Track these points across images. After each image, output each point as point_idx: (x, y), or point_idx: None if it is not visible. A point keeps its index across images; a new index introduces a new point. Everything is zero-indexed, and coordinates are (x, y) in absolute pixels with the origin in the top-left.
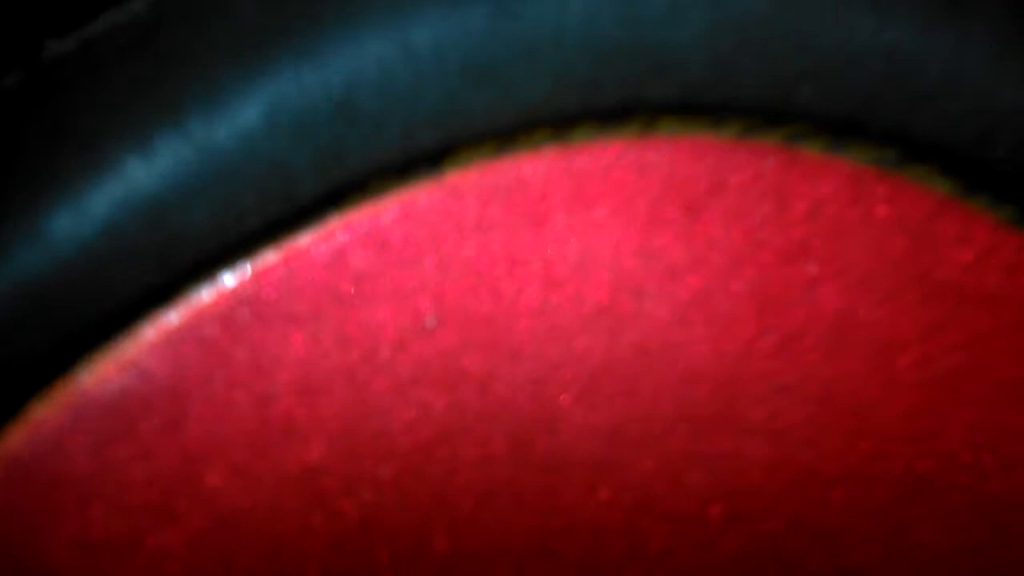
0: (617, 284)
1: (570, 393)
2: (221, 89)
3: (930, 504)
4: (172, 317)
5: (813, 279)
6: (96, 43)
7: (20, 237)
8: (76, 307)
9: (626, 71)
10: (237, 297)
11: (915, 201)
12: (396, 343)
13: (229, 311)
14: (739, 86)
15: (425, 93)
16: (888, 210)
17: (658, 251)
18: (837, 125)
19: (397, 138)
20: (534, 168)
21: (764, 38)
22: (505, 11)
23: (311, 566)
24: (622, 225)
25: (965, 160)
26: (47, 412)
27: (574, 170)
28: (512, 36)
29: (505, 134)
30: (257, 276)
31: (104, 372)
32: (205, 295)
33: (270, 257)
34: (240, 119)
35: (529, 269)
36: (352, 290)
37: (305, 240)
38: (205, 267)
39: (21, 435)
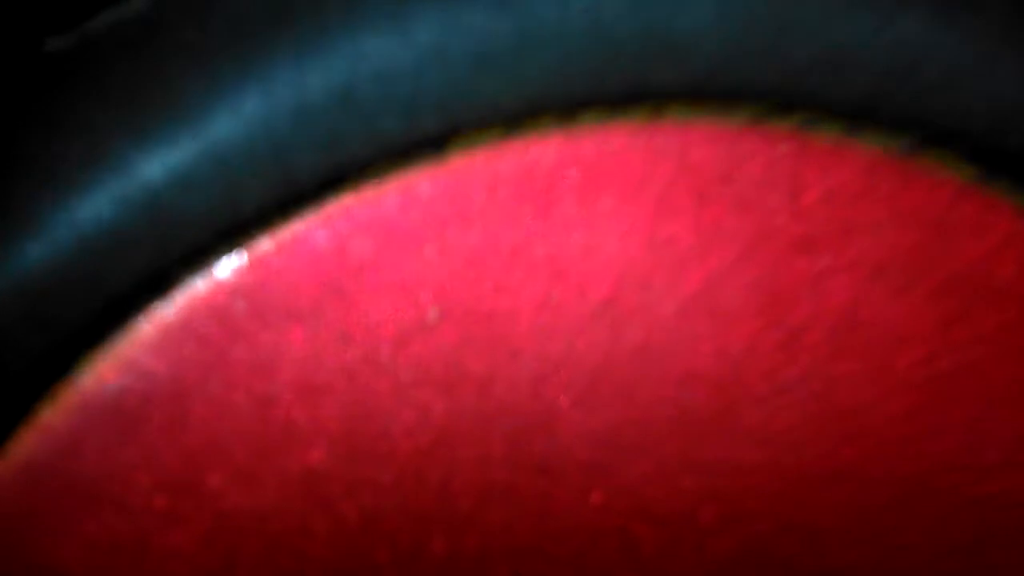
0: (622, 277)
1: (569, 395)
2: (220, 75)
3: (922, 505)
4: (170, 311)
5: (822, 272)
6: (95, 34)
7: (18, 228)
8: (76, 298)
9: (634, 55)
10: (234, 290)
11: (931, 190)
12: (397, 340)
13: (226, 306)
14: (751, 71)
15: (429, 78)
16: (903, 199)
17: (666, 241)
18: (852, 110)
19: (400, 124)
20: (541, 153)
21: (777, 21)
22: None
23: (312, 565)
24: (630, 214)
25: (983, 147)
26: (54, 416)
27: (582, 156)
28: (519, 19)
29: (511, 119)
30: (255, 267)
31: (105, 373)
32: (202, 288)
33: (268, 247)
34: (240, 105)
35: (533, 261)
36: (352, 283)
37: (304, 228)
38: (203, 256)
39: (31, 439)
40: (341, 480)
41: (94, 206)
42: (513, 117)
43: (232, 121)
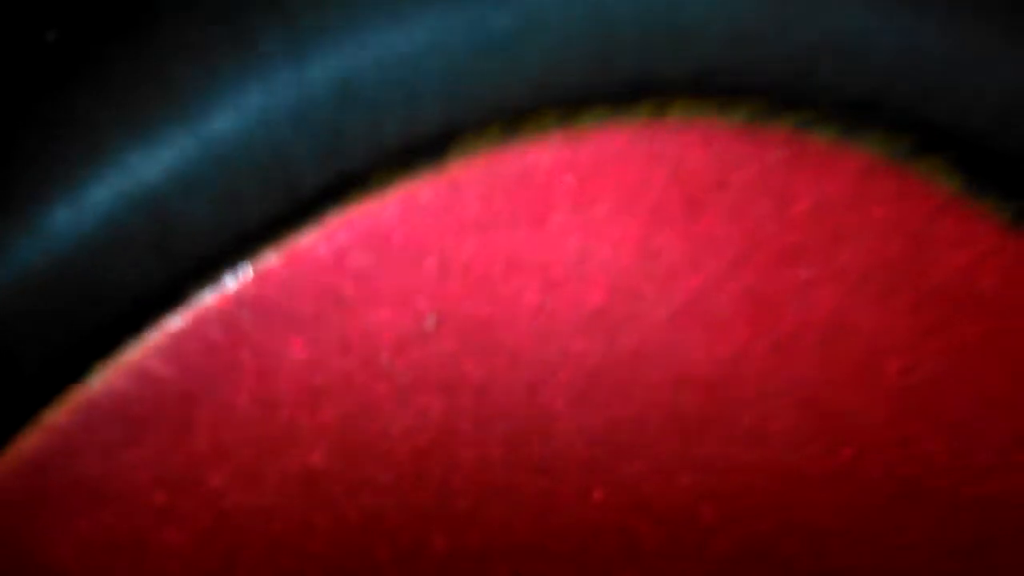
0: (615, 285)
1: (565, 397)
2: (220, 78)
3: (918, 506)
4: (176, 319)
5: (808, 281)
6: (95, 33)
7: (20, 232)
8: (78, 304)
9: (638, 47)
10: (239, 300)
11: (917, 201)
12: (395, 346)
13: (231, 314)
14: (756, 63)
15: (429, 73)
16: (889, 210)
17: (657, 250)
18: (853, 107)
19: (400, 122)
20: (539, 159)
21: (781, 12)
22: None
23: (313, 565)
24: (623, 222)
25: (979, 150)
26: (60, 417)
27: (580, 161)
28: (519, 10)
29: (511, 118)
30: (258, 278)
31: (112, 377)
32: (208, 297)
33: (271, 258)
34: (240, 107)
35: (528, 270)
36: (353, 292)
37: (306, 240)
38: (207, 264)
39: (35, 440)
40: (341, 480)
41: (94, 205)
42: (514, 111)
43: (232, 118)
